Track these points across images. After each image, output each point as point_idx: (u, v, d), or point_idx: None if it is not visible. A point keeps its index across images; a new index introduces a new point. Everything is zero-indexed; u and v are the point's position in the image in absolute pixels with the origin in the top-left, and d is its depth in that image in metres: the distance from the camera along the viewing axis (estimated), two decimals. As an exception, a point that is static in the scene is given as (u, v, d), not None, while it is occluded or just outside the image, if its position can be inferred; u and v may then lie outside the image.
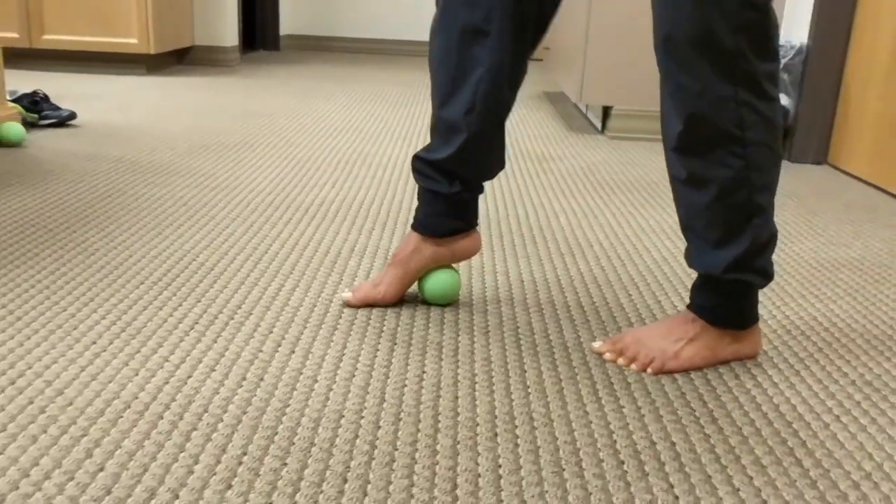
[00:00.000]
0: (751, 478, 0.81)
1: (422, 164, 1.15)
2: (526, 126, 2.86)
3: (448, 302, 1.20)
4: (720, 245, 0.99)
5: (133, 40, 3.54)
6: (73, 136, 2.29)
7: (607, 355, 1.05)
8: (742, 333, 1.05)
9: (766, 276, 1.02)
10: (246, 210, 1.65)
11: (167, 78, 3.65)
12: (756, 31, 0.91)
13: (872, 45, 2.17)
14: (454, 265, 1.23)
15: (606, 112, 2.75)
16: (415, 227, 1.18)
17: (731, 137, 0.94)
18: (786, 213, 1.82)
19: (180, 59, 4.15)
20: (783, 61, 2.35)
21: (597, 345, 1.08)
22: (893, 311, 1.27)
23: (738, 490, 0.78)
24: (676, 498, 0.77)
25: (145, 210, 1.61)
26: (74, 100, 2.90)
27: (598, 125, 2.84)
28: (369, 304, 1.18)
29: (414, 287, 1.23)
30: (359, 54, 5.36)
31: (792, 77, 2.37)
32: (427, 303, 1.20)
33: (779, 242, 1.60)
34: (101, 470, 0.76)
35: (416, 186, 1.19)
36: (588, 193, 1.93)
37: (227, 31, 4.16)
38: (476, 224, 1.19)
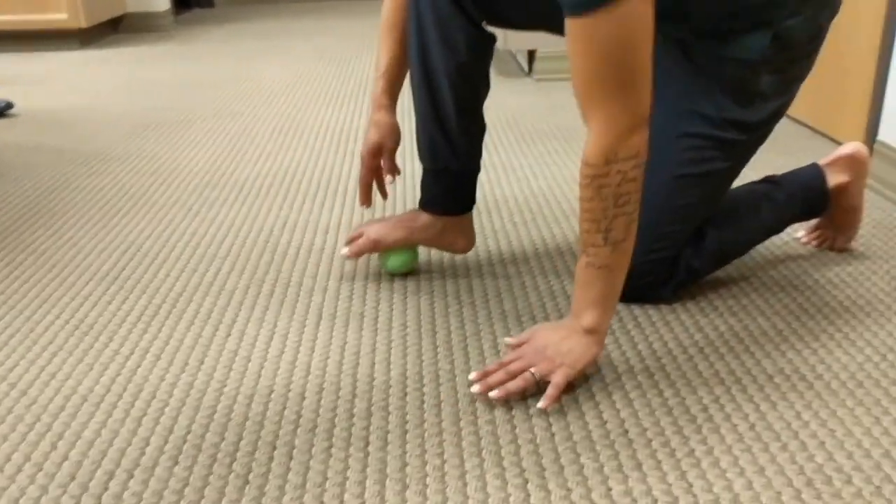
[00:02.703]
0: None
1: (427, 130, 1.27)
2: (457, 74, 2.94)
3: (407, 271, 1.32)
4: None
5: (63, 15, 3.55)
6: (14, 126, 2.35)
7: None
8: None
9: None
10: (185, 193, 1.75)
11: (102, 51, 3.66)
12: None
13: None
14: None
15: (532, 55, 2.84)
16: (424, 206, 1.29)
17: None
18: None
19: (114, 27, 4.14)
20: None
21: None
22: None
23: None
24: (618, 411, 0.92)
25: (90, 203, 1.71)
26: (10, 85, 2.94)
27: (527, 68, 2.94)
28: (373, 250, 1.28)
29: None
30: (299, 3, 5.35)
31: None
32: (385, 275, 1.33)
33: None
34: (66, 460, 0.90)
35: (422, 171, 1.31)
36: (510, 145, 2.05)
37: (159, -6, 4.16)
38: (472, 205, 1.32)
